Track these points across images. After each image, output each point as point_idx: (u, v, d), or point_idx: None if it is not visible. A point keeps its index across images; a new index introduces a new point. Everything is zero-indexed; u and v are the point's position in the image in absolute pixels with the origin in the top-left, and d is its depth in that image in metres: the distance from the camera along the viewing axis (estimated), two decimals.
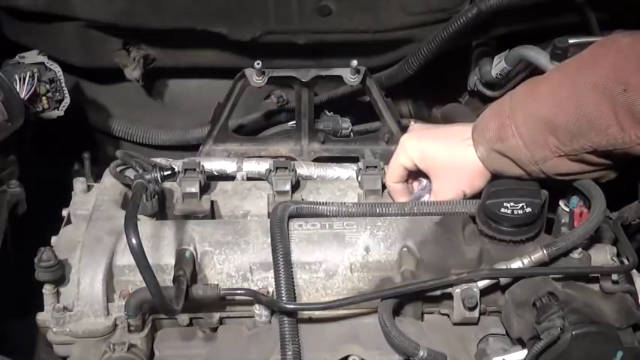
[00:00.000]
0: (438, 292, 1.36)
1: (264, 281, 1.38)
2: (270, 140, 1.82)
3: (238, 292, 1.36)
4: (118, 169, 1.57)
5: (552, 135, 1.31)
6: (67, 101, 1.79)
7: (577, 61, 1.34)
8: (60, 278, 1.35)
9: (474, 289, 1.34)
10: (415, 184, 1.54)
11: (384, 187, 1.54)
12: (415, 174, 1.51)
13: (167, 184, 1.53)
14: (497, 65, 1.96)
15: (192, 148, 1.96)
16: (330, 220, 1.44)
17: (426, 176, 1.50)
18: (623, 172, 1.39)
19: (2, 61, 1.75)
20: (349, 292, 1.39)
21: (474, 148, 1.40)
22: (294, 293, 1.36)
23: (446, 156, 1.44)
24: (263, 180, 1.60)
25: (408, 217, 1.44)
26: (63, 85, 1.78)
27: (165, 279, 1.34)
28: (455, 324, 1.39)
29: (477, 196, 1.44)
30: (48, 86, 1.75)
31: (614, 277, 1.36)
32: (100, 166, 1.64)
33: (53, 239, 1.48)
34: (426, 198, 1.50)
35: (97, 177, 1.61)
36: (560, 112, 1.30)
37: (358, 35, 1.87)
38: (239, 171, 1.65)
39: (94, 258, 1.36)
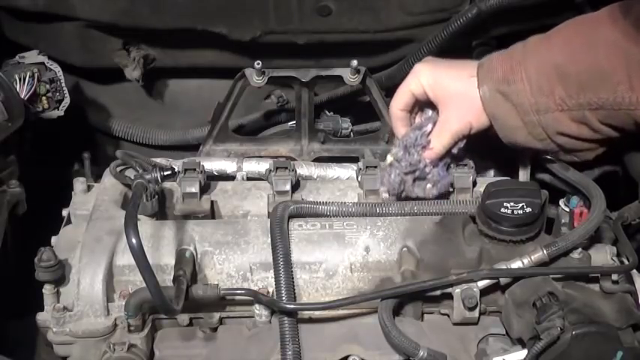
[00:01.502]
0: (438, 292, 1.36)
1: (264, 281, 1.38)
2: (270, 140, 1.82)
3: (238, 292, 1.36)
4: (118, 169, 1.57)
5: (561, 84, 1.30)
6: (67, 101, 1.79)
7: (594, 18, 1.33)
8: (60, 278, 1.35)
9: (474, 289, 1.34)
10: (418, 116, 1.53)
11: None
12: (420, 107, 1.51)
13: (167, 184, 1.53)
14: None
15: (192, 148, 1.95)
16: (330, 220, 1.44)
17: (431, 109, 1.49)
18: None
19: (2, 61, 1.75)
20: (349, 292, 1.39)
21: (477, 87, 1.40)
22: (294, 293, 1.36)
23: (457, 87, 1.43)
24: (263, 180, 1.60)
25: (408, 217, 1.45)
26: (63, 85, 1.78)
27: (165, 279, 1.34)
28: (455, 324, 1.39)
29: (482, 133, 1.44)
30: (48, 86, 1.74)
31: (614, 277, 1.36)
32: (100, 166, 1.64)
33: (53, 239, 1.48)
34: (429, 128, 1.48)
35: (97, 177, 1.61)
36: (574, 60, 1.30)
37: (358, 35, 1.87)
38: (239, 171, 1.65)
39: (94, 258, 1.36)
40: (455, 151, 1.50)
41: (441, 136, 1.46)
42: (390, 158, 1.51)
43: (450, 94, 1.44)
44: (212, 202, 1.52)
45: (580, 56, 1.30)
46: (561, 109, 1.32)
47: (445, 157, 1.50)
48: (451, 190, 1.53)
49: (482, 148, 1.55)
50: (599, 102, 1.28)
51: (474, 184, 1.54)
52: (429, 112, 1.51)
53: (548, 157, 1.50)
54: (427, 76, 1.46)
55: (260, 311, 1.37)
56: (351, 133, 1.92)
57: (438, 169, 1.50)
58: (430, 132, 1.48)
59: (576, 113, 1.32)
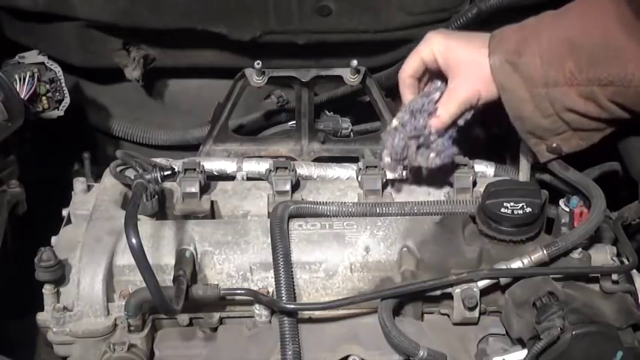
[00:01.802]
0: (438, 292, 1.36)
1: (264, 281, 1.38)
2: (270, 140, 1.82)
3: (238, 292, 1.36)
4: (118, 169, 1.57)
5: (571, 58, 1.30)
6: (67, 101, 1.79)
7: None
8: (60, 278, 1.35)
9: (474, 289, 1.34)
10: (427, 87, 1.52)
11: (384, 187, 1.54)
12: (430, 78, 1.51)
13: (167, 184, 1.53)
14: None
15: (192, 148, 1.95)
16: (330, 220, 1.44)
17: (440, 80, 1.48)
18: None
19: (2, 61, 1.75)
20: (349, 292, 1.39)
21: (487, 56, 1.39)
22: (294, 293, 1.36)
23: (467, 55, 1.43)
24: (263, 180, 1.60)
25: (408, 217, 1.44)
26: (63, 85, 1.78)
27: (165, 279, 1.34)
28: (455, 324, 1.39)
29: (490, 103, 1.43)
30: (48, 86, 1.74)
31: (614, 277, 1.36)
32: (100, 166, 1.64)
33: (53, 239, 1.48)
34: (436, 96, 1.47)
35: (97, 177, 1.61)
36: (586, 35, 1.30)
37: (358, 35, 1.87)
38: (239, 171, 1.65)
39: (94, 258, 1.36)
40: (461, 122, 1.48)
41: (449, 104, 1.45)
42: (395, 122, 1.49)
43: (460, 61, 1.43)
44: (212, 202, 1.52)
45: (592, 31, 1.30)
46: (570, 83, 1.31)
47: (451, 127, 1.48)
48: (454, 161, 1.51)
49: (475, 135, 1.55)
50: (609, 78, 1.28)
51: (474, 184, 1.54)
52: (438, 83, 1.50)
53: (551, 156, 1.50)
54: (439, 44, 1.45)
55: (260, 311, 1.37)
56: (351, 133, 1.92)
57: (443, 139, 1.47)
58: (438, 100, 1.47)
59: (585, 89, 1.31)
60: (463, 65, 1.43)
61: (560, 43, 1.32)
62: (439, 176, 1.53)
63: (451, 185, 1.53)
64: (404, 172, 1.53)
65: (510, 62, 1.37)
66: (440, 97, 1.47)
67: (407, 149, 1.47)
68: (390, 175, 1.53)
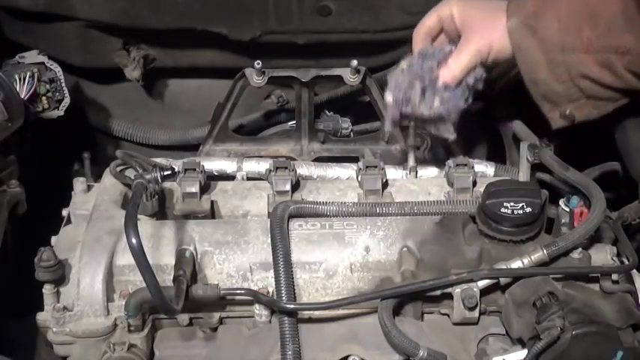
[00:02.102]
0: (438, 292, 1.36)
1: (264, 281, 1.38)
2: (270, 140, 1.83)
3: (238, 292, 1.36)
4: (118, 169, 1.57)
5: (590, 25, 1.29)
6: (67, 101, 1.79)
7: None
8: (60, 278, 1.35)
9: (474, 289, 1.34)
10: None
11: (384, 187, 1.54)
12: (441, 40, 1.51)
13: (167, 184, 1.53)
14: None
15: (192, 148, 1.96)
16: (330, 220, 1.44)
17: (454, 45, 1.48)
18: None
19: (2, 61, 1.75)
20: (349, 292, 1.39)
21: (506, 19, 1.39)
22: (294, 293, 1.36)
23: (485, 15, 1.43)
24: (263, 180, 1.60)
25: (408, 216, 1.44)
26: (63, 85, 1.78)
27: (166, 279, 1.34)
28: (455, 324, 1.39)
29: (501, 62, 1.43)
30: (48, 86, 1.75)
31: (614, 277, 1.36)
32: (100, 166, 1.64)
33: (53, 239, 1.48)
34: (448, 49, 1.46)
35: (97, 177, 1.61)
36: (606, 2, 1.29)
37: (358, 35, 1.87)
38: (239, 171, 1.65)
39: (94, 258, 1.36)
40: (470, 80, 1.45)
41: (460, 56, 1.44)
42: (403, 64, 1.47)
43: (477, 19, 1.43)
44: (212, 202, 1.52)
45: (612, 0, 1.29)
46: (587, 50, 1.31)
47: (460, 85, 1.45)
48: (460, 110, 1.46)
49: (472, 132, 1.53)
50: (627, 46, 1.27)
51: (474, 184, 1.54)
52: (447, 47, 1.48)
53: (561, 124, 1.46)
54: (457, 4, 1.46)
55: (260, 311, 1.37)
56: (351, 133, 1.92)
57: (450, 91, 1.44)
58: (449, 53, 1.45)
59: (601, 56, 1.31)
60: (479, 23, 1.43)
61: (578, 10, 1.32)
62: (441, 128, 1.49)
63: (455, 140, 1.50)
64: (405, 123, 1.49)
65: (528, 25, 1.36)
66: (451, 51, 1.45)
67: (411, 90, 1.44)
68: (388, 126, 1.50)
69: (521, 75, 1.44)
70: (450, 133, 1.49)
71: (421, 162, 1.64)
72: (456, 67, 1.44)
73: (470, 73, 1.45)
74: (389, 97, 1.46)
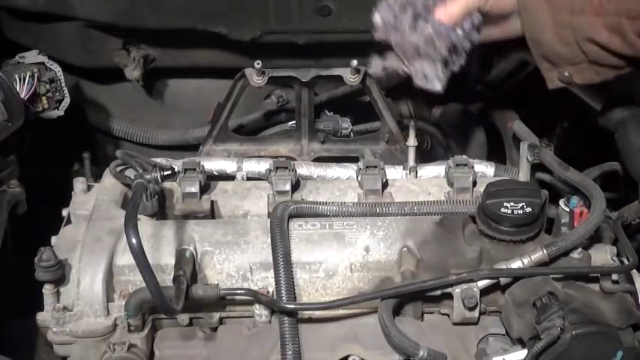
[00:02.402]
0: (438, 292, 1.36)
1: (264, 281, 1.38)
2: (270, 140, 1.83)
3: (238, 292, 1.36)
4: (118, 169, 1.57)
5: None
6: (67, 101, 1.79)
7: None
8: (60, 278, 1.35)
9: (474, 289, 1.34)
10: None
11: (384, 187, 1.54)
12: None
13: (167, 184, 1.53)
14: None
15: (192, 148, 1.96)
16: (330, 220, 1.44)
17: None
18: None
19: (2, 61, 1.75)
20: (349, 292, 1.39)
21: None
22: (294, 293, 1.36)
23: None
24: (263, 180, 1.60)
25: (408, 216, 1.44)
26: (63, 85, 1.78)
27: (166, 279, 1.34)
28: (455, 324, 1.39)
29: (497, 16, 1.36)
30: (48, 86, 1.75)
31: (614, 277, 1.36)
32: (100, 166, 1.64)
33: (53, 239, 1.48)
34: None
35: (97, 177, 1.61)
36: None
37: (358, 35, 1.87)
38: (239, 171, 1.65)
39: (94, 258, 1.36)
40: (467, 26, 1.37)
41: None
42: None
43: None
44: (212, 202, 1.52)
45: None
46: (597, 12, 1.27)
47: (455, 28, 1.36)
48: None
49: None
50: (639, 9, 1.23)
51: (474, 184, 1.54)
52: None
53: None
54: None
55: (260, 311, 1.37)
56: (351, 133, 1.92)
57: (445, 26, 1.35)
58: None
59: (612, 19, 1.26)
60: None
61: None
62: (428, 70, 1.39)
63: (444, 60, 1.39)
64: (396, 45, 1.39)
65: None
66: None
67: (403, 13, 1.35)
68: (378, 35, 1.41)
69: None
70: (437, 80, 1.39)
71: (421, 162, 1.64)
72: (454, 7, 1.36)
73: (466, 17, 1.37)
74: (377, 18, 1.39)
